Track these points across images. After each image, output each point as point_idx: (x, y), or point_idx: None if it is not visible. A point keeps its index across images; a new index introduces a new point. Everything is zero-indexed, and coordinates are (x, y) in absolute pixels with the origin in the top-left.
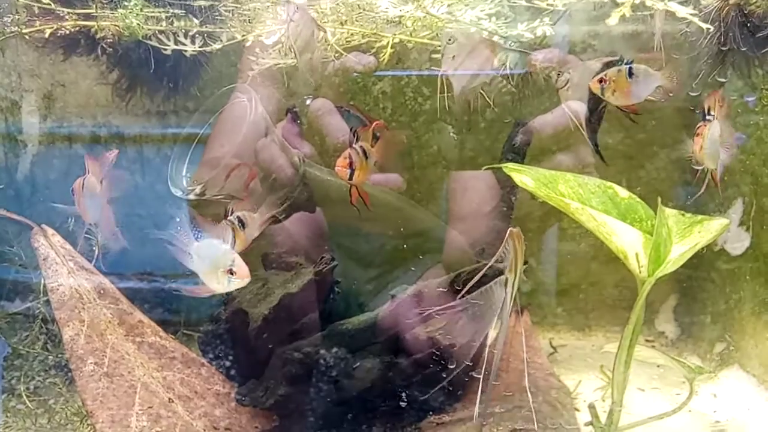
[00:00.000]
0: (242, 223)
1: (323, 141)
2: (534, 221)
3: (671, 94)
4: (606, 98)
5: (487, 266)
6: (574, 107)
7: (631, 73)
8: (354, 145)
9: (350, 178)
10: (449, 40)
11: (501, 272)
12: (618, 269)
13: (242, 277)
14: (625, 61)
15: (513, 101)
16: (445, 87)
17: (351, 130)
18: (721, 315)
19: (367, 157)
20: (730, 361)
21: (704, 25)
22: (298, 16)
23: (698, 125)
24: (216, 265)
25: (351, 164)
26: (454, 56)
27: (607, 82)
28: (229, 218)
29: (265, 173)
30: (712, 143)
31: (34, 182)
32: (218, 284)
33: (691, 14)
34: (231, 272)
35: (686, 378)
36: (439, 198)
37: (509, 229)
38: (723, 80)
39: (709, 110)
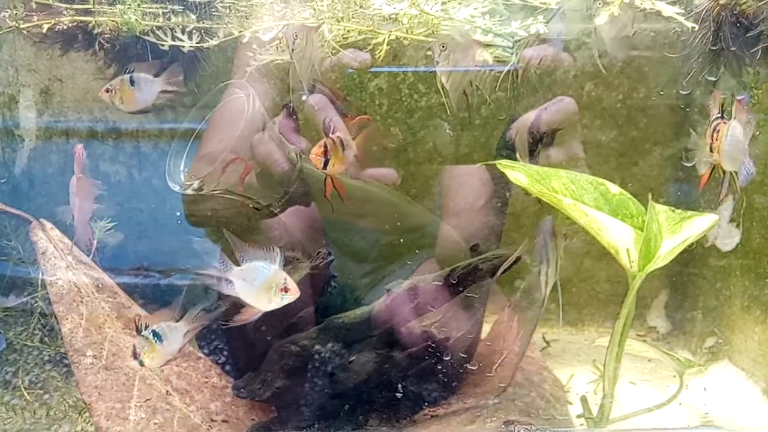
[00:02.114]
0: (159, 337)
1: (320, 136)
2: (529, 217)
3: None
4: (116, 105)
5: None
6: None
7: (132, 81)
8: (331, 135)
9: (324, 167)
10: (442, 47)
11: (497, 268)
12: (610, 264)
13: (295, 294)
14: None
15: (508, 98)
16: (441, 87)
17: (326, 120)
18: (711, 310)
19: (344, 149)
20: (720, 356)
21: (689, 24)
22: (299, 41)
23: (715, 123)
24: (269, 285)
25: (326, 153)
26: (448, 62)
27: (114, 91)
28: (142, 334)
29: (261, 168)
30: (732, 144)
31: (31, 177)
32: (270, 303)
33: (677, 13)
34: (285, 290)
35: (676, 371)
36: (434, 194)
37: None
38: (713, 79)
39: (724, 109)
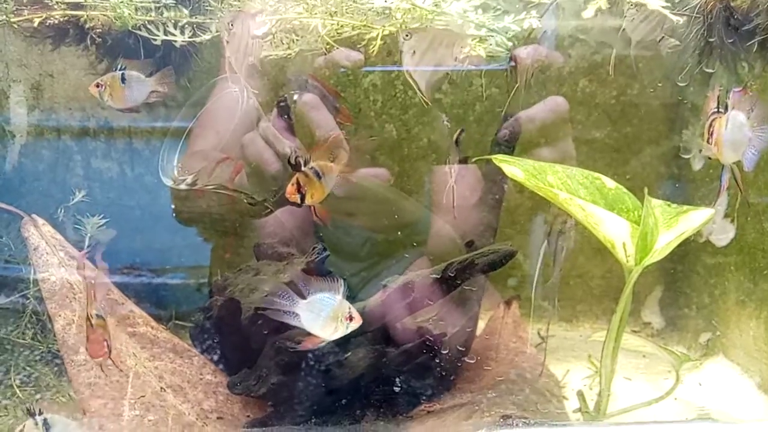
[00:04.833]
0: (47, 428)
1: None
2: (523, 214)
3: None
4: (105, 101)
5: None
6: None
7: (123, 79)
8: (303, 169)
9: (302, 202)
10: (406, 35)
11: (492, 264)
12: (605, 261)
13: (358, 321)
14: None
15: (502, 94)
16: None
17: (294, 158)
18: (706, 306)
19: (320, 177)
20: (715, 351)
21: (674, 18)
22: (237, 25)
23: (711, 117)
24: (335, 315)
25: (299, 189)
26: (414, 52)
27: (104, 87)
28: (35, 419)
29: (252, 167)
30: (733, 132)
31: (22, 173)
32: (336, 332)
33: (663, 7)
34: (350, 318)
35: (672, 366)
36: (429, 191)
37: None
38: (711, 71)
39: (719, 103)
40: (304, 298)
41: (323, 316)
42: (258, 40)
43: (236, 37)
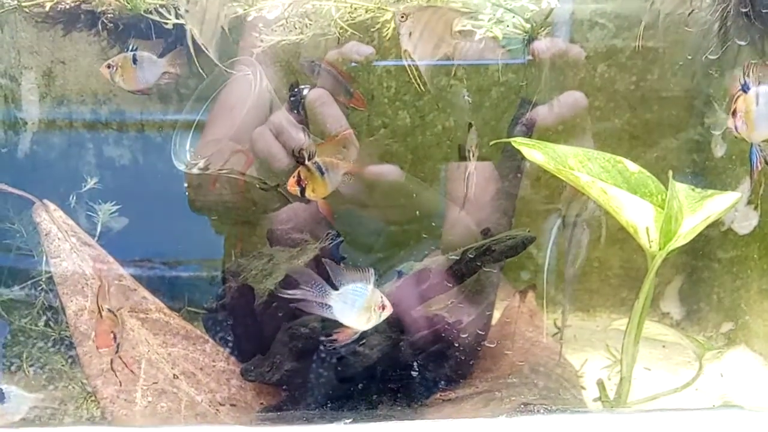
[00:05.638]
0: (2, 398)
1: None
2: (538, 204)
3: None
4: (116, 82)
5: None
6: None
7: (135, 60)
8: (307, 163)
9: (303, 195)
10: (402, 17)
11: (511, 249)
12: (622, 250)
13: (389, 310)
14: None
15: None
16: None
17: (298, 150)
18: (726, 296)
19: (323, 173)
20: (737, 341)
21: None
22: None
23: (736, 96)
24: (368, 305)
25: (299, 182)
26: (411, 33)
27: (115, 68)
28: None
29: (261, 162)
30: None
31: (34, 159)
32: (369, 322)
33: None
34: (382, 307)
35: (696, 354)
36: (443, 178)
37: None
38: (742, 43)
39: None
40: (335, 288)
41: (357, 307)
42: (228, 11)
43: (199, 6)
